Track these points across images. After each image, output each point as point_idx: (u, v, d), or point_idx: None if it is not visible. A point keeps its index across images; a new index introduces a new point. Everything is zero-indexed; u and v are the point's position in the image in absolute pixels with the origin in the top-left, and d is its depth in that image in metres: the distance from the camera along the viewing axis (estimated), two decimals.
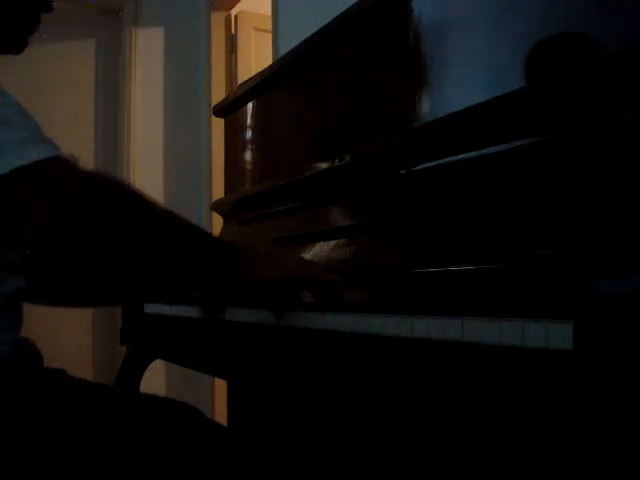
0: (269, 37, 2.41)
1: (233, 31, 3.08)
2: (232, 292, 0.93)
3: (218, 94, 2.90)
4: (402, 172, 1.01)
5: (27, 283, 0.87)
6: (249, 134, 1.63)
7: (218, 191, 2.71)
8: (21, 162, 0.70)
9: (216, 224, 2.60)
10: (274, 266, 0.81)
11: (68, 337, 2.90)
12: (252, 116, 1.62)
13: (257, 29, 3.03)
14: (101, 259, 0.75)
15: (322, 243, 1.13)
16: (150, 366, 1.47)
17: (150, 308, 1.36)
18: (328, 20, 1.23)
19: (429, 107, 1.02)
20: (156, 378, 2.79)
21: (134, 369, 1.45)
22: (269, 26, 2.39)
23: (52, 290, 0.98)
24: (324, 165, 1.18)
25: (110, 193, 0.76)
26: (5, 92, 0.77)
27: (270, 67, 1.49)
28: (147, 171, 3.43)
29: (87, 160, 3.63)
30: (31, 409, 0.80)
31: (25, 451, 0.76)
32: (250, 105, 1.61)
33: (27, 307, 0.91)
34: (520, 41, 0.86)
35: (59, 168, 0.73)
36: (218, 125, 2.51)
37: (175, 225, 0.79)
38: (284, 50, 1.58)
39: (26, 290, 0.88)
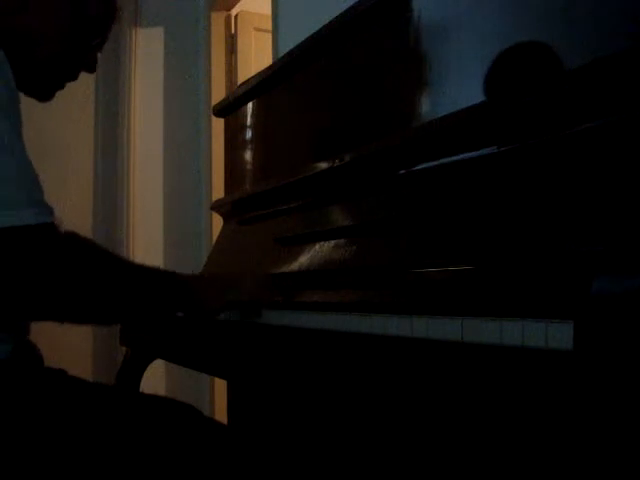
0: (269, 37, 2.41)
1: (233, 31, 3.08)
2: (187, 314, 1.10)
3: (218, 94, 2.90)
4: (402, 172, 1.01)
5: None
6: (249, 134, 1.63)
7: (218, 191, 2.71)
8: (4, 223, 0.74)
9: (216, 224, 2.60)
10: (217, 294, 1.01)
11: (68, 337, 2.90)
12: (252, 116, 1.62)
13: (257, 29, 3.03)
14: (71, 307, 0.84)
15: (322, 243, 1.13)
16: (150, 366, 1.47)
17: None
18: (328, 20, 1.23)
19: (429, 107, 1.02)
20: (156, 378, 2.79)
21: (134, 369, 1.45)
22: (269, 26, 2.38)
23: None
24: (324, 165, 1.18)
25: (85, 262, 0.85)
26: (14, 145, 0.79)
27: (270, 67, 1.49)
28: (147, 171, 3.43)
29: (87, 160, 3.63)
30: (31, 408, 0.80)
31: (26, 449, 0.76)
32: (250, 105, 1.61)
33: None
34: (520, 41, 0.86)
35: (41, 236, 0.78)
36: (218, 125, 2.51)
37: (140, 275, 0.93)
38: (284, 50, 1.58)
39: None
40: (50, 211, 0.80)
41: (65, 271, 0.80)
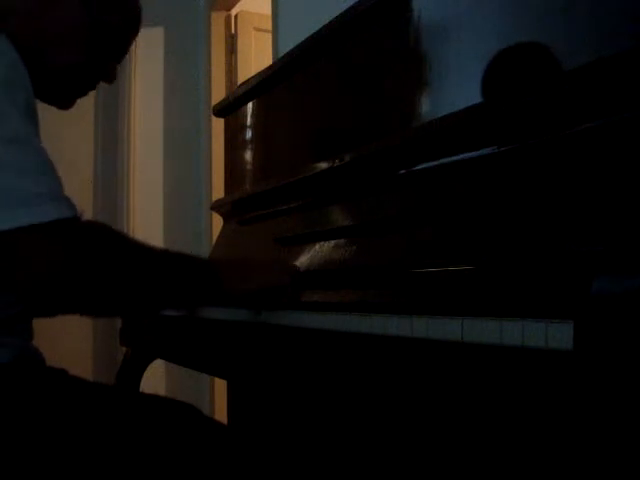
0: (269, 37, 2.41)
1: (233, 31, 3.08)
2: (214, 302, 1.06)
3: (218, 94, 2.90)
4: (402, 172, 1.01)
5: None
6: (249, 134, 1.63)
7: (218, 191, 2.71)
8: (31, 220, 0.73)
9: (216, 224, 2.60)
10: (247, 278, 0.96)
11: (68, 337, 2.90)
12: (252, 116, 1.62)
13: (257, 29, 3.03)
14: (99, 302, 0.83)
15: (322, 243, 1.13)
16: (150, 366, 1.47)
17: None
18: (328, 20, 1.23)
19: (429, 107, 1.02)
20: (156, 378, 2.79)
21: (134, 369, 1.45)
22: (269, 26, 2.39)
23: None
24: (324, 165, 1.18)
25: (113, 254, 0.83)
26: (32, 141, 0.78)
27: (270, 67, 1.49)
28: (147, 171, 3.42)
29: (87, 160, 3.62)
30: (33, 408, 0.80)
31: (28, 448, 0.76)
32: (250, 105, 1.61)
33: None
34: (520, 41, 0.86)
35: (65, 231, 0.76)
36: (218, 125, 2.51)
37: (163, 260, 0.90)
38: (284, 50, 1.58)
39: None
40: (71, 204, 0.79)
41: (94, 265, 0.79)
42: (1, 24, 0.86)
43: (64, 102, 0.99)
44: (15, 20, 0.89)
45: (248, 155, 1.64)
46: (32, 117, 0.80)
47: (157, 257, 0.90)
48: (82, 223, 0.81)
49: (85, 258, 0.78)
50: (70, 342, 2.97)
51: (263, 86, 1.50)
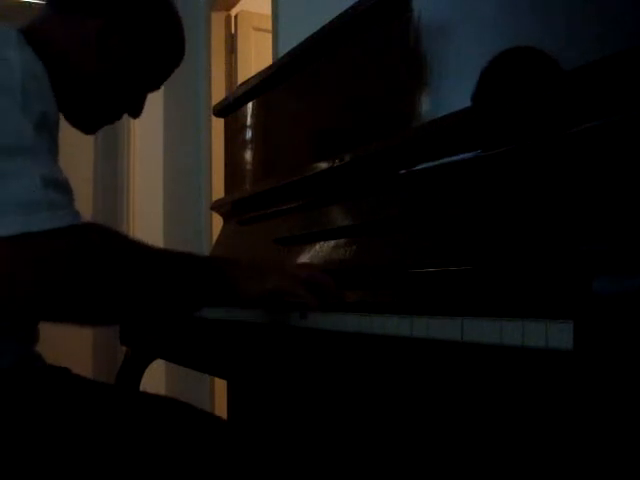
0: (269, 37, 2.41)
1: (233, 31, 3.08)
2: (222, 304, 1.01)
3: (218, 94, 2.90)
4: (402, 172, 1.01)
5: None
6: (249, 134, 1.63)
7: (218, 191, 2.71)
8: (22, 229, 0.70)
9: (216, 224, 2.60)
10: (258, 279, 0.88)
11: (68, 337, 2.90)
12: (252, 116, 1.62)
13: (257, 29, 3.03)
14: (85, 314, 0.80)
15: (322, 243, 1.13)
16: (150, 366, 1.47)
17: None
18: (328, 20, 1.23)
19: (429, 107, 1.02)
20: (156, 378, 2.79)
21: (134, 369, 1.45)
22: (269, 26, 2.39)
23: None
24: (324, 165, 1.18)
25: (107, 265, 0.78)
26: (39, 153, 0.75)
27: (270, 67, 1.49)
28: (147, 171, 3.43)
29: (87, 161, 3.62)
30: (35, 407, 0.81)
31: (30, 446, 0.77)
32: (250, 105, 1.61)
33: None
34: (521, 41, 0.86)
35: (58, 241, 0.73)
36: (218, 125, 2.51)
37: (165, 260, 0.86)
38: (284, 50, 1.59)
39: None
40: (69, 214, 0.75)
41: (85, 277, 0.75)
42: (33, 36, 0.85)
43: (88, 126, 0.99)
44: (41, 33, 0.89)
45: (248, 155, 1.64)
46: (47, 129, 0.77)
47: (156, 260, 0.84)
48: (78, 235, 0.76)
49: (77, 267, 0.74)
50: (70, 342, 2.97)
51: (263, 86, 1.50)
